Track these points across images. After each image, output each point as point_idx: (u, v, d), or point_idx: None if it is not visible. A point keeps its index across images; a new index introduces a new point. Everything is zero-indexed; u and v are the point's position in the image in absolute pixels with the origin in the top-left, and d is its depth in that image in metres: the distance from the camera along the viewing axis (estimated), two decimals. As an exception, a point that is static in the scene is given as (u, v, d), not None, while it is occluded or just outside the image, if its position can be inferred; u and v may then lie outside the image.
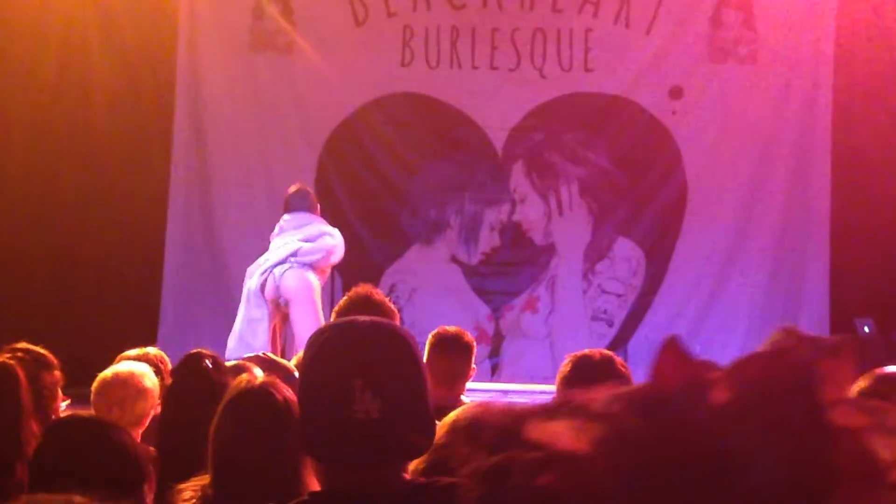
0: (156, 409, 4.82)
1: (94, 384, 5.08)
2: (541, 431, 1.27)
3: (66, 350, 5.52)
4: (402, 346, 2.48)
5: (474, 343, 5.24)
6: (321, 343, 2.49)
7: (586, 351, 4.33)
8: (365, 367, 2.41)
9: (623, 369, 4.17)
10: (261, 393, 3.42)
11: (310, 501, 2.53)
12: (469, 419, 3.08)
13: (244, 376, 3.64)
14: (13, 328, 5.10)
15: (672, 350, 1.31)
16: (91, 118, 10.37)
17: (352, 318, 2.65)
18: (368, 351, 2.44)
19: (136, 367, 5.18)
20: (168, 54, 10.64)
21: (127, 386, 4.95)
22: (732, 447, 1.26)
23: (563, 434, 1.25)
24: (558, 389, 4.24)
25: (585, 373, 4.15)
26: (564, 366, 4.26)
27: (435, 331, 5.18)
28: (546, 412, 1.31)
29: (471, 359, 5.16)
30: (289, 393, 3.47)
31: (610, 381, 3.55)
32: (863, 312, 9.50)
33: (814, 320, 9.91)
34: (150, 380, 5.00)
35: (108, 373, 5.12)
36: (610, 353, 4.26)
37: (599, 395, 1.32)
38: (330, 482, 2.46)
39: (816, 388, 1.30)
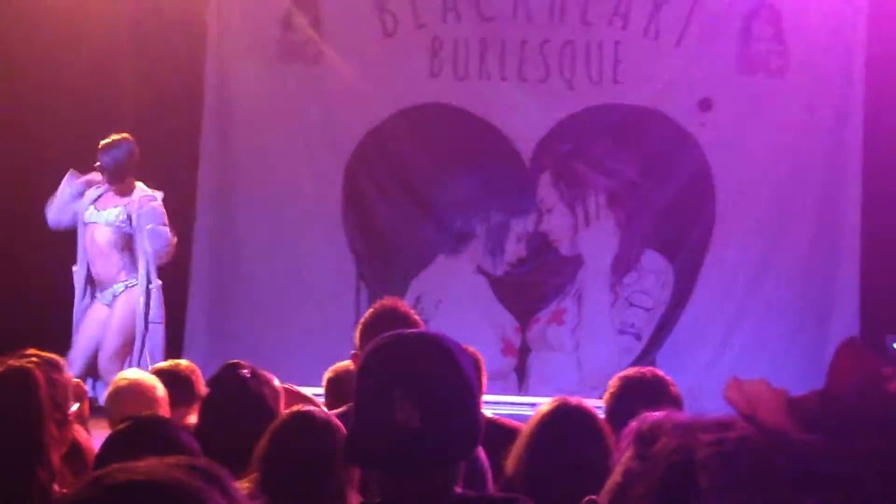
0: (188, 419, 4.86)
1: (108, 391, 5.16)
2: (738, 393, 1.39)
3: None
4: (445, 356, 2.51)
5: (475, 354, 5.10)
6: (368, 354, 2.54)
7: (635, 370, 4.35)
8: (406, 377, 2.45)
9: (675, 390, 4.19)
10: (310, 422, 3.48)
11: None
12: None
13: (297, 407, 3.72)
14: (46, 339, 5.17)
15: (850, 349, 1.54)
16: (119, 128, 10.36)
17: (400, 330, 2.70)
18: (410, 362, 2.49)
19: (146, 376, 5.28)
20: (197, 65, 10.66)
21: (140, 394, 5.02)
22: None
23: (763, 402, 1.37)
24: (607, 407, 4.26)
25: (636, 392, 4.16)
26: (612, 384, 4.26)
27: None
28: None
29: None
30: (336, 422, 3.54)
31: (663, 403, 3.57)
32: (894, 329, 9.43)
33: (844, 336, 9.82)
34: (161, 389, 5.09)
35: (121, 381, 5.19)
36: (661, 373, 4.26)
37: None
38: (382, 491, 2.51)
39: None
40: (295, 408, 3.73)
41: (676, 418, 1.47)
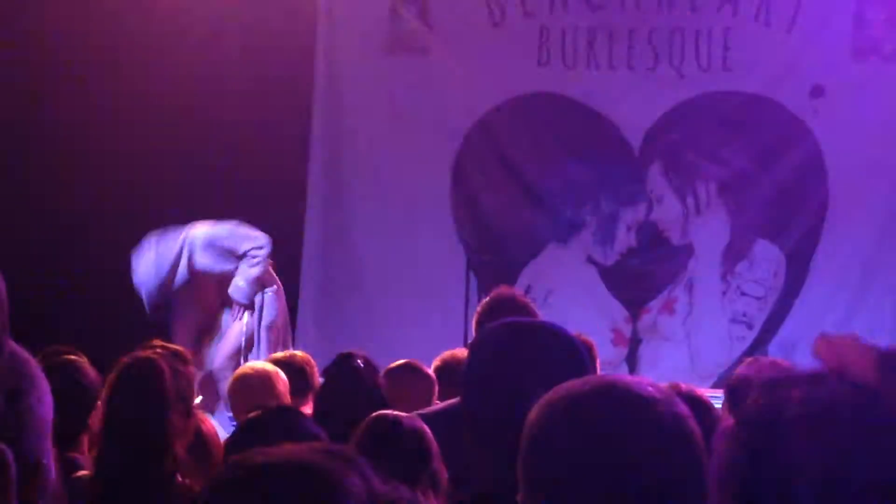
0: (303, 409, 4.91)
1: (230, 382, 5.24)
2: (828, 349, 1.40)
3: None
4: (570, 346, 2.51)
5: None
6: (495, 340, 2.53)
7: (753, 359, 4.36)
8: (538, 366, 2.44)
9: None
10: (397, 426, 3.51)
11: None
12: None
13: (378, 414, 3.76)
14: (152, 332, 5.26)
15: None
16: (229, 123, 10.43)
17: (520, 318, 2.70)
18: (541, 350, 2.47)
19: (267, 366, 5.33)
20: (306, 59, 10.72)
21: (259, 384, 5.08)
22: None
23: (854, 357, 1.37)
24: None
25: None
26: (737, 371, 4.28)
27: None
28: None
29: None
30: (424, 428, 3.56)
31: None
32: None
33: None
34: (283, 378, 5.13)
35: (244, 370, 5.26)
36: (780, 361, 4.26)
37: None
38: (495, 482, 2.49)
39: None
40: (379, 412, 3.76)
41: (765, 374, 1.47)
